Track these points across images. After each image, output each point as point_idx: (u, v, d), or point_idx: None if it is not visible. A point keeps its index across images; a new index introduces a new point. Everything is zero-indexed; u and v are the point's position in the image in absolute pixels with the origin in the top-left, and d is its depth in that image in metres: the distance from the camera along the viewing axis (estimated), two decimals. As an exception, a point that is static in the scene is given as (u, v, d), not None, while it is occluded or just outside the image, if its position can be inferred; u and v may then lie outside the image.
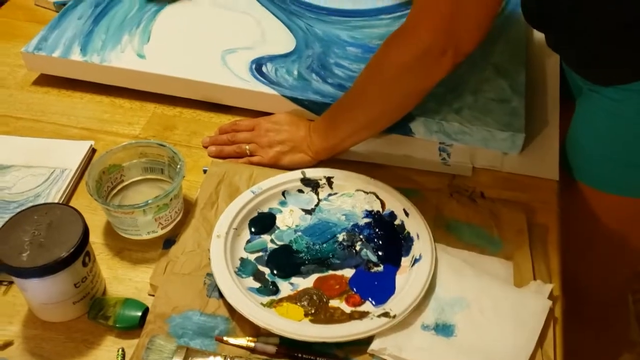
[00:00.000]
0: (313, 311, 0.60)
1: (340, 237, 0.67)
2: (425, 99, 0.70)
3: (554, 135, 0.79)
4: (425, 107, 0.76)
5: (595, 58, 0.70)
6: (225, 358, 0.56)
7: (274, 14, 0.94)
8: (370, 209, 0.69)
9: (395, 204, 0.68)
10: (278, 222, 0.69)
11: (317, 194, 0.72)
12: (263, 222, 0.68)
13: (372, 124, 0.74)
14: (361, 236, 0.67)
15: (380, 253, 0.65)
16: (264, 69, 0.84)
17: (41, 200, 0.70)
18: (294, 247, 0.66)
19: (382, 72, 0.69)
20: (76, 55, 0.84)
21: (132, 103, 0.85)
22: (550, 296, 0.61)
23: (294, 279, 0.63)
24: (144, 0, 0.95)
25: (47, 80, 0.88)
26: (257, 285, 0.63)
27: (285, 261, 0.65)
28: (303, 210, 0.70)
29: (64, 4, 0.97)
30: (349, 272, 0.64)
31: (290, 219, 0.69)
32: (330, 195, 0.71)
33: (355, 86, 0.73)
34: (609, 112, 0.72)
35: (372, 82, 0.70)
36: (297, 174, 0.72)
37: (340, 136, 0.74)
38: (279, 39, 0.89)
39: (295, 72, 0.84)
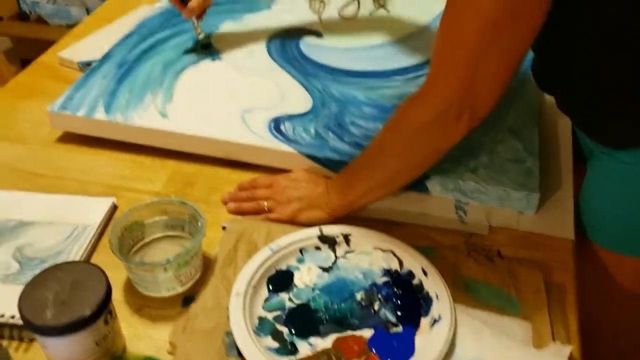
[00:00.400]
0: (332, 372, 0.60)
1: (359, 296, 0.67)
2: (442, 159, 0.72)
3: (568, 195, 0.80)
4: (442, 166, 0.77)
5: (606, 122, 0.72)
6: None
7: (292, 75, 0.97)
8: (388, 267, 0.70)
9: (413, 262, 0.69)
10: (296, 280, 0.69)
11: (334, 251, 0.72)
12: (281, 280, 0.69)
13: (389, 182, 0.75)
14: (379, 295, 0.67)
15: (399, 313, 0.65)
16: (282, 127, 0.86)
17: (63, 257, 0.71)
18: (312, 306, 0.67)
19: (400, 131, 0.70)
20: (100, 114, 0.87)
21: (153, 160, 0.87)
22: (570, 358, 0.61)
23: (312, 339, 0.63)
24: (167, 61, 0.98)
25: (69, 138, 0.90)
26: (275, 345, 0.63)
27: (304, 321, 0.65)
28: (321, 267, 0.71)
29: (89, 64, 1.00)
30: (367, 333, 0.64)
31: (308, 277, 0.70)
32: (347, 252, 0.72)
33: (373, 144, 0.74)
34: (621, 174, 0.73)
35: (389, 141, 0.72)
36: (314, 231, 0.73)
37: (357, 193, 0.75)
38: (296, 99, 0.92)
39: (313, 131, 0.86)
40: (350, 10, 0.75)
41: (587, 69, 0.68)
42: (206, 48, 1.03)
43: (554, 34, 0.65)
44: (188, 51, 1.01)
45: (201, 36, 1.02)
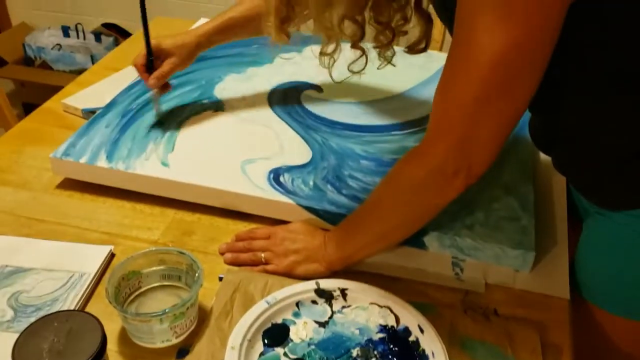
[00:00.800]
0: None
1: (355, 352, 0.67)
2: (439, 214, 0.73)
3: (563, 253, 0.80)
4: (439, 222, 0.78)
5: (602, 184, 0.73)
6: None
7: (292, 127, 0.99)
8: (384, 323, 0.70)
9: (410, 319, 0.69)
10: (292, 334, 0.69)
11: (330, 305, 0.72)
12: (277, 334, 0.69)
13: (386, 237, 0.76)
14: (375, 352, 0.67)
15: (395, 370, 0.65)
16: (281, 178, 0.87)
17: (59, 305, 0.71)
18: (308, 361, 0.66)
19: (398, 187, 0.72)
20: (102, 162, 0.88)
21: (152, 208, 0.87)
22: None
23: (307, 395, 0.63)
24: (170, 111, 1.00)
25: (71, 184, 0.91)
26: (270, 400, 0.62)
27: (299, 376, 0.64)
28: (317, 322, 0.70)
29: (92, 112, 1.02)
30: (363, 390, 0.63)
31: (304, 332, 0.69)
32: (344, 307, 0.72)
33: (371, 199, 0.75)
34: (617, 235, 0.73)
35: (387, 196, 0.73)
36: (311, 285, 0.73)
37: (354, 247, 0.76)
38: (296, 150, 0.93)
39: (311, 183, 0.87)
40: (358, 65, 0.78)
41: (582, 131, 0.70)
42: (162, 124, 0.98)
43: (550, 96, 0.67)
44: (190, 103, 1.03)
45: (158, 109, 1.00)
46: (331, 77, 0.80)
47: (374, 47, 0.77)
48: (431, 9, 0.75)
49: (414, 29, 0.75)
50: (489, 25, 0.57)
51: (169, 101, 1.03)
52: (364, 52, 0.76)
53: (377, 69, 0.83)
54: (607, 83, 0.64)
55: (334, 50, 0.74)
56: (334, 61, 0.76)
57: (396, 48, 0.82)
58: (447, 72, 0.63)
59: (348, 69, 0.78)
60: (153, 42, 0.93)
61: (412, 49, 0.79)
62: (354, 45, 0.75)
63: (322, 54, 0.76)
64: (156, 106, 1.00)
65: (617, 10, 0.59)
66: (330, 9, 0.66)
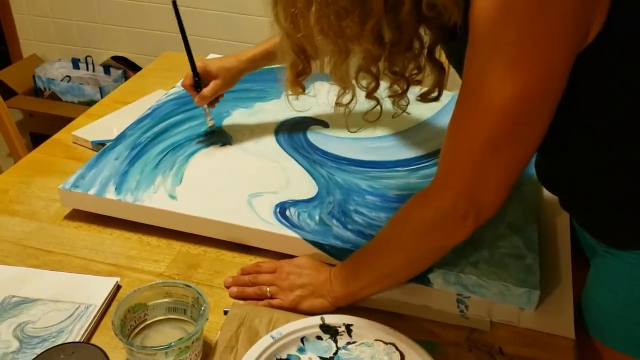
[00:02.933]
0: None
1: (359, 389, 0.67)
2: (444, 252, 0.73)
3: (567, 292, 0.80)
4: (444, 259, 0.78)
5: (611, 224, 0.73)
6: None
7: (298, 162, 1.00)
8: (389, 360, 0.69)
9: (415, 357, 0.68)
10: (296, 370, 0.69)
11: (335, 341, 0.72)
12: (282, 370, 0.68)
13: (392, 276, 0.76)
14: (380, 389, 0.67)
15: (399, 408, 0.64)
16: (287, 212, 0.88)
17: (64, 336, 0.71)
18: (312, 397, 0.66)
19: (406, 228, 0.72)
20: (111, 194, 0.89)
21: (159, 241, 0.88)
22: None
23: None
24: (178, 145, 1.02)
25: (78, 215, 0.92)
26: None
27: (304, 413, 0.64)
28: (321, 358, 0.70)
29: (102, 144, 1.04)
30: None
31: (308, 367, 0.69)
32: (349, 343, 0.72)
33: (378, 237, 0.76)
34: (625, 274, 0.74)
35: (395, 236, 0.74)
36: (316, 320, 0.73)
37: (360, 284, 0.76)
38: (302, 185, 0.94)
39: (317, 217, 0.88)
40: (373, 115, 0.78)
41: (589, 171, 0.70)
42: (213, 133, 1.07)
43: (556, 138, 0.68)
44: (199, 137, 1.05)
45: (211, 124, 1.06)
46: (347, 127, 0.81)
47: (389, 97, 0.78)
48: (444, 58, 0.76)
49: (427, 78, 0.76)
50: (499, 73, 0.58)
51: (177, 134, 1.05)
52: (378, 102, 0.77)
53: (392, 117, 0.84)
54: (612, 126, 0.65)
55: (350, 101, 0.75)
56: (350, 111, 0.76)
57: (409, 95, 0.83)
58: (457, 118, 0.64)
59: (363, 118, 0.79)
60: (200, 64, 1.00)
61: (425, 98, 0.80)
62: (369, 95, 0.76)
63: (337, 104, 0.76)
64: (208, 120, 1.06)
65: (623, 59, 0.61)
66: (347, 62, 0.67)
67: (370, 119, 0.78)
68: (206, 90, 1.00)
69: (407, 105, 0.80)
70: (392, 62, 0.69)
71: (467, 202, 0.65)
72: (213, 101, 1.05)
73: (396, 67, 0.70)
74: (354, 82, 0.71)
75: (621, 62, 0.61)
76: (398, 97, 0.77)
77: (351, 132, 0.83)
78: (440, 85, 0.77)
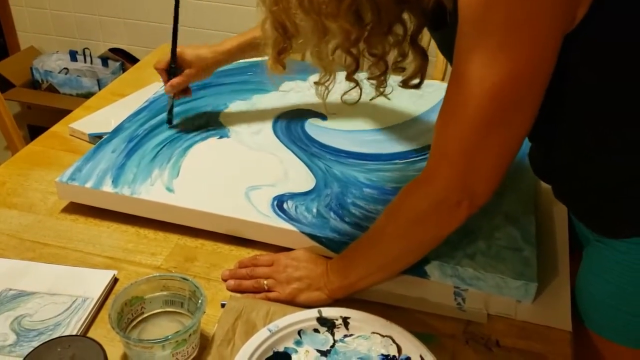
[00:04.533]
0: None
1: (356, 381, 0.67)
2: (440, 244, 0.73)
3: (564, 284, 0.81)
4: (441, 251, 0.79)
5: (602, 212, 0.73)
6: None
7: (296, 154, 1.00)
8: (386, 353, 0.69)
9: (412, 349, 0.68)
10: (293, 363, 0.69)
11: (332, 334, 0.72)
12: (279, 362, 0.69)
13: (388, 266, 0.76)
14: (377, 382, 0.67)
15: (396, 401, 0.64)
16: (285, 205, 0.88)
17: (61, 329, 0.71)
18: (309, 390, 0.66)
19: (400, 217, 0.72)
20: (107, 187, 0.89)
21: (156, 234, 0.88)
22: None
23: None
24: (175, 137, 1.01)
25: (75, 208, 0.92)
26: None
27: (300, 405, 0.64)
28: (318, 351, 0.70)
29: (99, 137, 1.03)
30: (364, 420, 0.63)
31: (305, 360, 0.69)
32: (346, 336, 0.72)
33: (373, 228, 0.76)
34: (616, 263, 0.74)
35: (389, 226, 0.74)
36: (313, 313, 0.73)
37: (356, 276, 0.76)
38: (300, 178, 0.94)
39: (315, 210, 0.88)
40: (352, 97, 0.80)
41: (581, 160, 0.70)
42: (169, 122, 1.05)
43: (548, 125, 0.68)
44: (196, 129, 1.05)
45: (169, 118, 1.04)
46: (325, 107, 0.82)
47: (367, 79, 0.79)
48: (429, 45, 0.77)
49: (410, 65, 0.77)
50: (487, 58, 0.58)
51: (175, 127, 1.05)
52: (357, 84, 0.78)
53: (369, 100, 0.85)
54: (603, 112, 0.65)
55: (328, 81, 0.76)
56: (328, 92, 0.77)
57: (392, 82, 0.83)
58: (447, 105, 0.64)
59: (341, 99, 0.80)
60: (178, 49, 0.99)
61: (406, 84, 0.80)
62: (348, 77, 0.76)
63: (317, 83, 0.77)
64: (168, 111, 1.04)
65: (610, 40, 0.60)
66: (326, 41, 0.68)
67: (350, 101, 0.78)
68: (176, 80, 0.99)
69: (385, 88, 0.80)
70: (371, 44, 0.69)
71: (459, 190, 0.65)
72: (183, 91, 1.04)
73: (375, 49, 0.71)
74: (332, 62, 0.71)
75: (609, 44, 0.60)
76: (376, 79, 0.77)
77: (329, 114, 0.85)
78: (422, 72, 0.78)
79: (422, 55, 0.75)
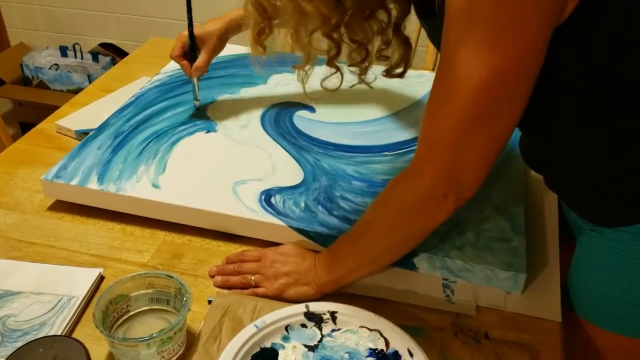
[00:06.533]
0: None
1: (344, 376, 0.66)
2: (429, 236, 0.73)
3: (554, 275, 0.80)
4: (429, 243, 0.78)
5: (595, 201, 0.73)
6: None
7: (284, 148, 0.99)
8: (374, 347, 0.69)
9: (400, 342, 0.68)
10: (280, 359, 0.68)
11: (320, 329, 0.72)
12: (265, 359, 0.68)
13: (376, 259, 0.76)
14: (365, 376, 0.66)
15: (383, 395, 0.64)
16: (272, 200, 0.87)
17: (46, 329, 0.70)
18: (297, 386, 0.65)
19: (387, 209, 0.72)
20: (93, 184, 0.88)
21: (143, 231, 0.87)
22: None
23: (295, 421, 0.62)
24: (162, 133, 1.00)
25: (62, 206, 0.91)
26: None
27: (287, 401, 0.64)
28: (306, 346, 0.70)
29: (86, 133, 1.02)
30: (351, 415, 0.62)
31: (292, 356, 0.69)
32: (333, 330, 0.71)
33: (361, 222, 0.75)
34: (610, 252, 0.73)
35: (377, 219, 0.73)
36: (301, 308, 0.73)
37: (344, 269, 0.75)
38: (288, 171, 0.93)
39: (303, 204, 0.87)
40: (332, 83, 0.79)
41: (573, 150, 0.70)
42: (198, 109, 1.08)
43: (538, 116, 0.67)
44: (183, 124, 1.04)
45: (197, 103, 1.07)
46: (305, 92, 0.81)
47: (348, 66, 0.78)
48: (419, 36, 0.76)
49: (394, 53, 0.76)
50: (476, 50, 0.57)
51: (161, 122, 1.04)
52: (338, 69, 0.77)
53: (350, 87, 0.84)
54: (593, 101, 0.64)
55: (307, 65, 0.75)
56: (308, 76, 0.77)
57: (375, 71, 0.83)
58: (434, 97, 0.64)
59: (321, 84, 0.80)
60: (183, 34, 1.00)
61: (390, 73, 0.80)
62: (329, 62, 0.76)
63: (296, 67, 0.77)
64: (196, 95, 1.06)
65: (600, 34, 0.60)
66: (305, 23, 0.67)
67: (330, 87, 0.77)
68: (200, 61, 1.00)
69: (366, 74, 0.80)
70: (351, 30, 0.69)
71: (446, 182, 0.65)
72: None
73: (356, 35, 0.70)
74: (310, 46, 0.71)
75: (599, 37, 0.60)
76: (358, 66, 0.76)
77: (311, 99, 0.85)
78: (406, 60, 0.77)
79: (406, 44, 0.74)
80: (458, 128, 0.61)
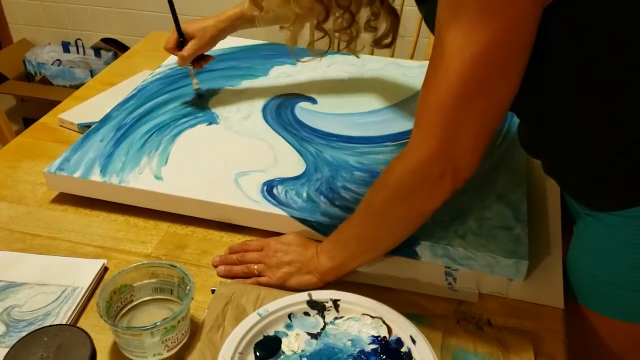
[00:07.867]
0: None
1: (347, 363, 0.67)
2: (431, 224, 0.73)
3: (557, 261, 0.80)
4: (431, 231, 0.78)
5: (590, 185, 0.73)
6: None
7: (286, 139, 0.99)
8: (376, 334, 0.69)
9: (402, 330, 0.68)
10: (284, 347, 0.69)
11: (323, 317, 0.72)
12: (269, 346, 0.68)
13: (377, 245, 0.76)
14: (367, 363, 0.67)
15: (386, 382, 0.64)
16: (274, 190, 0.87)
17: (51, 319, 0.71)
18: (300, 373, 0.66)
19: (385, 193, 0.72)
20: (96, 176, 0.88)
21: (146, 222, 0.88)
22: None
23: (298, 408, 0.62)
24: (164, 125, 1.01)
25: (65, 198, 0.92)
26: (261, 413, 0.61)
27: (291, 388, 0.64)
28: (309, 334, 0.70)
29: (88, 126, 1.03)
30: (355, 402, 0.63)
31: (295, 344, 0.69)
32: (336, 318, 0.72)
33: (360, 207, 0.75)
34: (605, 236, 0.73)
35: (375, 203, 0.73)
36: (303, 296, 0.73)
37: (346, 256, 0.76)
38: (290, 162, 0.94)
39: (305, 195, 0.87)
40: (319, 47, 0.79)
41: (569, 134, 0.70)
42: (201, 98, 1.09)
43: (534, 100, 0.67)
44: (185, 116, 1.04)
45: (196, 86, 1.09)
46: (292, 52, 0.81)
47: (335, 31, 0.78)
48: (412, 22, 0.77)
49: (382, 24, 0.78)
50: (467, 26, 0.58)
51: (163, 115, 1.04)
52: (326, 33, 0.77)
53: (337, 52, 0.84)
54: (589, 85, 0.64)
55: (292, 24, 0.75)
56: (294, 35, 0.77)
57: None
58: (429, 75, 0.64)
59: (307, 48, 0.80)
60: (182, 26, 1.04)
61: (378, 43, 0.80)
62: (318, 26, 0.75)
63: (282, 28, 0.77)
64: (193, 82, 1.10)
65: (590, 13, 0.59)
66: None
67: (316, 52, 0.79)
68: (184, 50, 1.04)
69: (361, 49, 0.80)
70: None
71: (442, 162, 0.65)
72: (200, 63, 1.08)
73: (344, 1, 0.70)
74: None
75: (590, 16, 0.60)
76: (343, 32, 0.76)
77: (300, 61, 0.86)
78: (393, 30, 0.78)
79: (394, 15, 0.76)
80: (452, 104, 0.61)
